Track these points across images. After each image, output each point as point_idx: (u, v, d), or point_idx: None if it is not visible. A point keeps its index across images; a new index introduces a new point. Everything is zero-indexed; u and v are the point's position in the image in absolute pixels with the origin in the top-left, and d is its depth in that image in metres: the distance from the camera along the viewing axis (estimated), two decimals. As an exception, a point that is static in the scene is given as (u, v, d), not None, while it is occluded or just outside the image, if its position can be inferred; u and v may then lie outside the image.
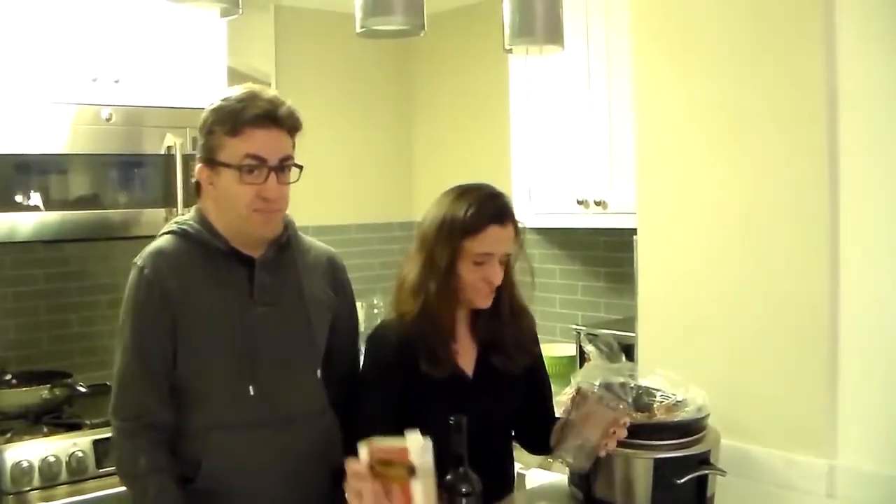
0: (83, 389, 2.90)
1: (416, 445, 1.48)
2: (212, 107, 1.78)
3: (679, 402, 1.87)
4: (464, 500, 1.57)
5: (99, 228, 2.88)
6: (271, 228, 1.80)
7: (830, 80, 1.88)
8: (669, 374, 1.92)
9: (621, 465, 1.80)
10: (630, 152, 2.38)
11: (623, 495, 1.81)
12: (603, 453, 1.75)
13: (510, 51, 2.02)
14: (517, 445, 2.07)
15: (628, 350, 2.49)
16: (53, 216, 2.77)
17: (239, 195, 1.74)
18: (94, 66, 2.84)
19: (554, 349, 3.27)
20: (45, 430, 2.66)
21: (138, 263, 1.79)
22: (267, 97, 1.76)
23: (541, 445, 1.93)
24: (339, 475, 1.56)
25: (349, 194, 3.93)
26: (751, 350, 2.01)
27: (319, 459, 1.83)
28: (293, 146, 1.80)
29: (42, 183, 2.77)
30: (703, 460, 1.80)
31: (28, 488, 2.49)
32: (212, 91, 3.03)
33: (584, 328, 3.18)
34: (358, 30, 1.73)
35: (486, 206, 1.82)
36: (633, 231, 2.32)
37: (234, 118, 1.73)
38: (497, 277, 1.83)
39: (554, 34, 1.92)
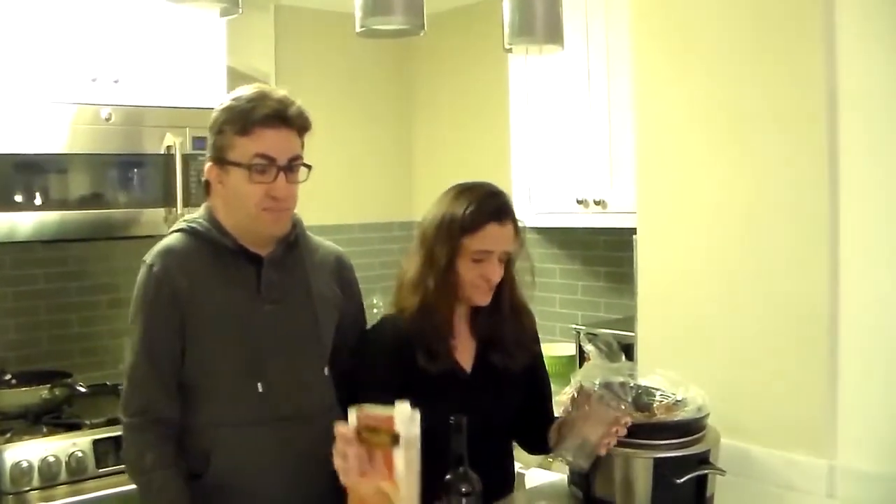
0: (83, 389, 2.90)
1: (403, 415, 1.50)
2: (222, 106, 1.80)
3: (679, 401, 1.87)
4: (464, 500, 1.57)
5: (99, 228, 2.88)
6: (280, 227, 1.83)
7: (830, 79, 1.87)
8: (669, 373, 1.92)
9: (621, 464, 1.80)
10: (630, 152, 2.38)
11: (623, 495, 1.80)
12: (603, 452, 1.75)
13: (510, 50, 2.02)
14: (516, 445, 2.07)
15: (628, 349, 2.49)
16: (53, 216, 2.77)
17: (248, 194, 1.76)
18: (94, 65, 2.84)
19: (554, 349, 3.27)
20: (45, 430, 2.66)
21: (147, 261, 1.81)
22: (277, 97, 1.78)
23: (540, 445, 1.94)
24: None
25: (349, 194, 3.93)
26: (751, 350, 2.01)
27: (327, 456, 1.84)
28: (302, 146, 1.81)
29: (42, 183, 2.77)
30: (703, 460, 1.80)
31: (27, 488, 2.49)
32: (212, 91, 3.06)
33: (583, 328, 3.18)
34: (358, 29, 1.73)
35: (485, 205, 1.83)
36: (633, 231, 2.32)
37: (245, 118, 1.75)
38: (496, 275, 1.84)
39: (554, 34, 1.92)
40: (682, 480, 1.76)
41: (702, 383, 1.88)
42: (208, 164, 1.82)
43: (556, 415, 1.94)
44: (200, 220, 1.85)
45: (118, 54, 2.89)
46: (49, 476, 2.52)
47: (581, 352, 3.11)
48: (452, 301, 1.88)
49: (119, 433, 2.58)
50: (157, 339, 1.78)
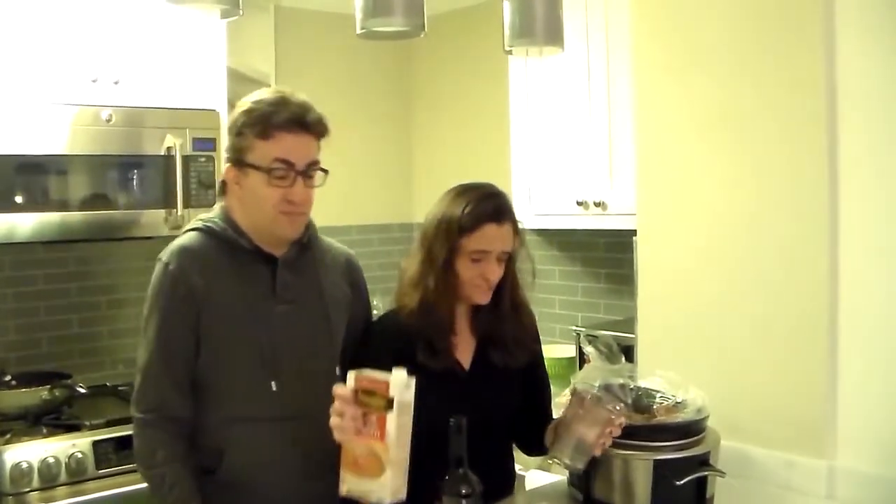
0: (83, 390, 2.90)
1: (399, 381, 1.57)
2: (242, 108, 1.81)
3: (679, 403, 1.87)
4: (463, 502, 1.57)
5: (99, 229, 2.88)
6: (295, 230, 1.85)
7: (830, 80, 1.88)
8: (669, 375, 1.92)
9: (621, 466, 1.80)
10: (630, 153, 2.38)
11: (623, 496, 1.80)
12: (598, 452, 1.75)
13: (510, 52, 2.02)
14: (515, 447, 2.07)
15: (628, 351, 2.49)
16: (53, 217, 2.77)
17: (266, 197, 1.78)
18: (94, 67, 2.84)
19: (553, 350, 3.27)
20: (45, 431, 2.66)
21: (163, 259, 1.83)
22: (298, 102, 1.80)
23: (538, 446, 1.94)
24: None
25: (349, 195, 3.93)
26: (751, 351, 2.01)
27: (338, 452, 1.86)
28: (319, 150, 1.85)
29: (42, 184, 2.78)
30: (703, 461, 1.80)
31: (27, 489, 2.49)
32: (212, 92, 3.07)
33: (583, 329, 3.17)
34: (358, 31, 1.73)
35: (482, 205, 1.84)
36: (633, 232, 2.32)
37: (265, 121, 1.77)
38: (494, 274, 1.86)
39: (554, 35, 1.92)
40: (682, 482, 1.75)
41: (702, 385, 1.88)
42: (226, 165, 1.84)
43: (554, 417, 1.94)
44: (216, 220, 1.87)
45: (118, 55, 2.89)
46: (49, 477, 2.52)
47: (581, 353, 3.11)
48: (452, 299, 1.89)
49: (119, 434, 2.62)
50: (173, 337, 1.80)
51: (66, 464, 2.55)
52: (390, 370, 1.59)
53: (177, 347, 1.80)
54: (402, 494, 1.60)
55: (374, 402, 1.58)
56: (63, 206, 2.79)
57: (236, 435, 1.81)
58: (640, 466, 1.78)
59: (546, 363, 2.13)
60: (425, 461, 1.62)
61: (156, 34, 2.95)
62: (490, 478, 1.66)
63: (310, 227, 1.92)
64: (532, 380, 2.02)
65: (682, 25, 2.14)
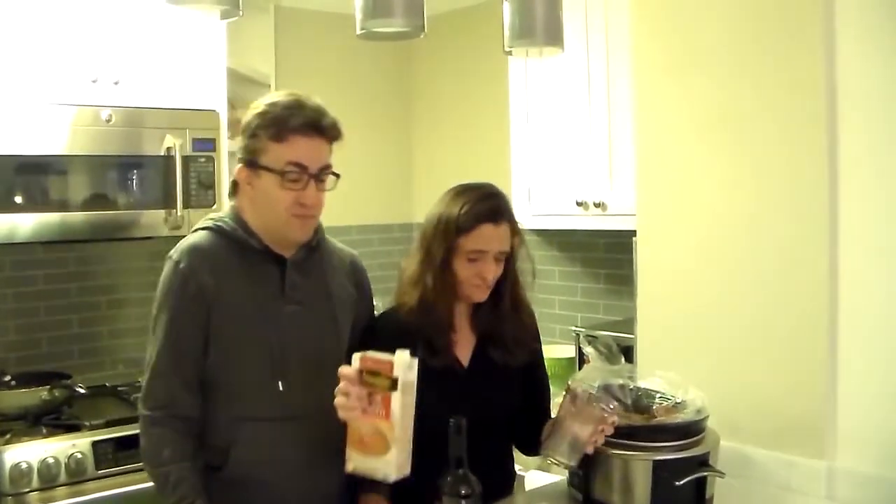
0: (82, 391, 2.90)
1: (402, 362, 1.62)
2: (256, 110, 1.82)
3: (678, 403, 1.87)
4: (463, 502, 1.57)
5: (99, 229, 2.88)
6: (306, 232, 1.87)
7: (830, 80, 1.88)
8: (669, 375, 1.92)
9: (620, 466, 1.80)
10: (630, 153, 2.37)
11: (622, 497, 1.80)
12: (590, 450, 1.76)
13: (510, 52, 2.02)
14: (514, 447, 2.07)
15: (627, 352, 2.50)
16: (53, 217, 2.77)
17: (278, 199, 1.80)
18: (94, 67, 2.84)
19: (553, 351, 3.26)
20: (45, 431, 2.66)
21: (174, 258, 1.84)
22: (312, 106, 1.82)
23: (536, 446, 1.94)
24: None
25: (349, 195, 3.87)
26: (750, 351, 2.01)
27: (343, 452, 1.86)
28: (331, 154, 1.86)
29: (42, 184, 2.78)
30: (703, 462, 1.80)
31: (27, 490, 2.49)
32: (211, 93, 3.07)
33: (583, 330, 3.17)
34: (358, 32, 1.74)
35: (479, 206, 1.86)
36: (633, 233, 2.32)
37: (280, 124, 1.78)
38: (491, 274, 1.87)
39: (554, 36, 1.92)
40: (681, 483, 1.75)
41: (701, 385, 1.88)
42: (239, 165, 1.85)
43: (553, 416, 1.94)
44: (226, 220, 1.88)
45: (118, 56, 2.89)
46: (48, 477, 2.52)
47: (581, 354, 3.11)
48: (451, 298, 1.90)
49: (119, 434, 2.63)
50: (182, 335, 1.81)
51: (65, 464, 2.55)
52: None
53: (186, 346, 1.81)
54: (407, 470, 1.64)
55: (379, 383, 1.63)
56: (63, 206, 2.79)
57: (243, 433, 1.82)
58: (640, 467, 1.78)
59: (546, 363, 2.14)
60: (425, 461, 1.62)
61: (156, 34, 2.95)
62: (490, 478, 1.66)
63: (319, 229, 1.94)
64: (532, 380, 2.02)
65: (682, 26, 2.14)
